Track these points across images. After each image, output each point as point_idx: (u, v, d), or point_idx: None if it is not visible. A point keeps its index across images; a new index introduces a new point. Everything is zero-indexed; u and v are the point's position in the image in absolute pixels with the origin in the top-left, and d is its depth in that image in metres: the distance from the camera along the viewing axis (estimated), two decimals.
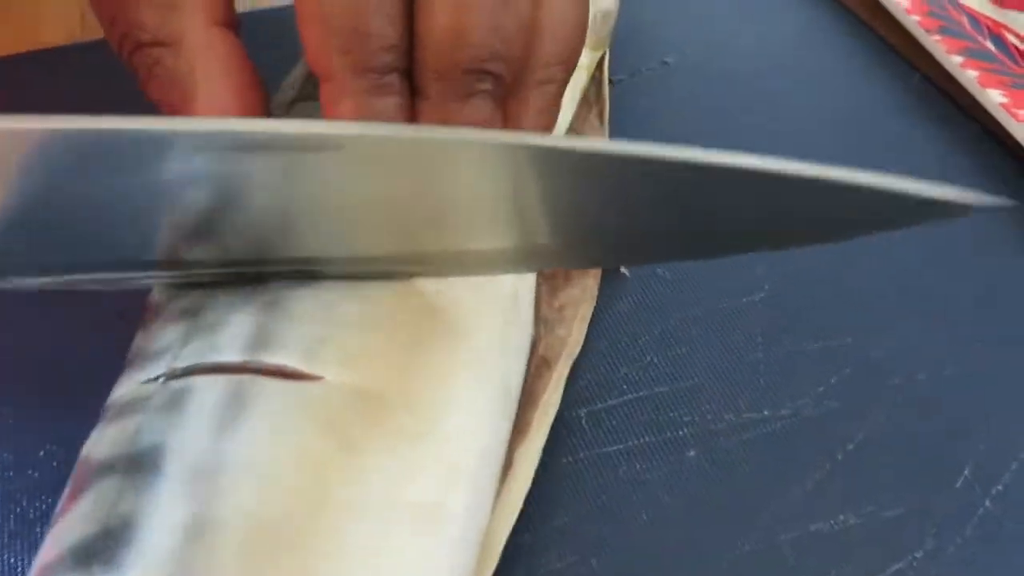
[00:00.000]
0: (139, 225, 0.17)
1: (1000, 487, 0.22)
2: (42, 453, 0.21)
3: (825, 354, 0.24)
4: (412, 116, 0.18)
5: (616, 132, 0.30)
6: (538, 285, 0.23)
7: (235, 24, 0.20)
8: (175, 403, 0.16)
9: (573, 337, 0.23)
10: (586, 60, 0.28)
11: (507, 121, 0.19)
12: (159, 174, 0.16)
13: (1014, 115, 0.29)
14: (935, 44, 0.32)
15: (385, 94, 0.18)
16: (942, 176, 0.29)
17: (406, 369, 0.18)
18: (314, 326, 0.18)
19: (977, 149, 0.30)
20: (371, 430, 0.17)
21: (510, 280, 0.21)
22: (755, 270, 0.26)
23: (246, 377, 0.17)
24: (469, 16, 0.17)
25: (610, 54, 0.31)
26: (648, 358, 0.24)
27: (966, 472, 0.22)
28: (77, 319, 0.23)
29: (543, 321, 0.23)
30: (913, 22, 0.33)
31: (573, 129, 0.27)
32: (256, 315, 0.18)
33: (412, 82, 0.18)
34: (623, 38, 0.32)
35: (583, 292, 0.24)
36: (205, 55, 0.19)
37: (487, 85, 0.18)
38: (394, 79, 0.18)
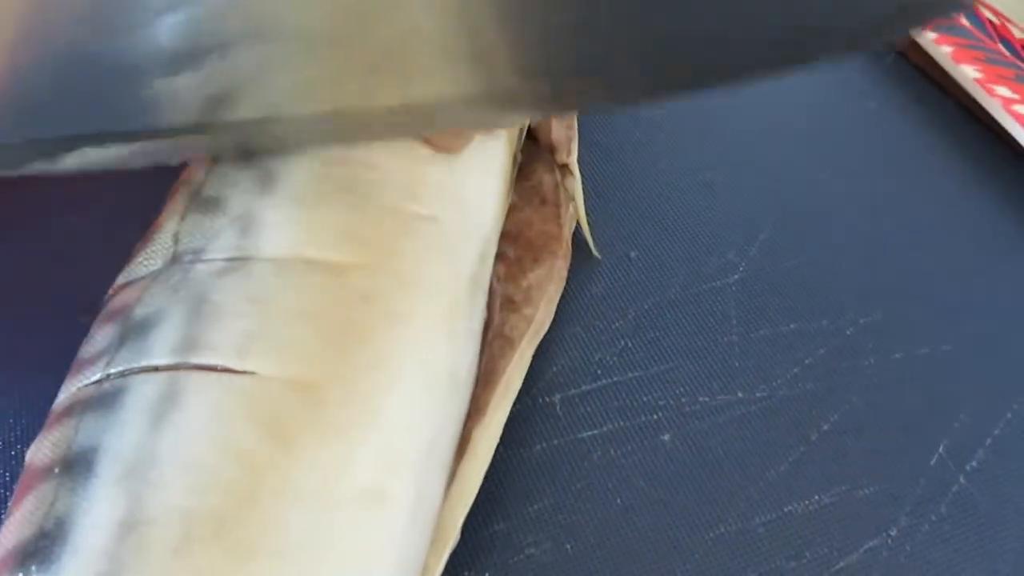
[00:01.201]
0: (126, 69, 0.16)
1: (974, 463, 0.22)
2: (12, 453, 0.21)
3: (800, 336, 0.24)
4: None
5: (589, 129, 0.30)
6: (497, 266, 0.23)
7: None
8: (110, 403, 0.16)
9: (539, 316, 0.23)
10: None
11: None
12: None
13: (988, 90, 0.29)
14: None
15: None
16: (917, 155, 0.30)
17: (341, 359, 0.18)
18: (244, 321, 0.18)
19: (952, 125, 0.30)
20: (305, 422, 0.17)
21: (463, 261, 0.21)
22: (728, 254, 0.26)
23: (179, 373, 0.17)
24: None
25: None
26: (622, 343, 0.24)
27: (940, 450, 0.22)
28: (40, 318, 0.23)
29: (508, 301, 0.23)
30: None
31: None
32: (185, 315, 0.18)
33: None
34: None
35: (551, 272, 0.24)
36: None
37: None
38: None
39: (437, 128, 0.17)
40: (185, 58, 0.16)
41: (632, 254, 0.26)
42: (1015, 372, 0.24)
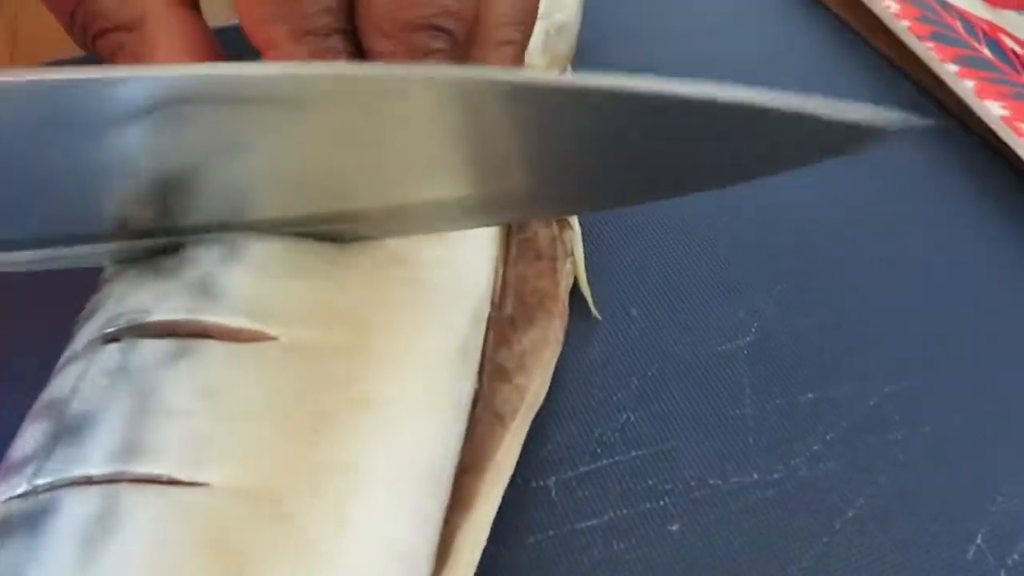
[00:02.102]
0: (80, 183, 0.16)
1: (1016, 556, 0.20)
2: None
3: (820, 406, 0.22)
4: None
5: None
6: (488, 331, 0.21)
7: (194, 2, 0.19)
8: (35, 527, 0.14)
9: (534, 387, 0.21)
10: None
11: None
12: (92, 125, 0.15)
13: (1016, 128, 0.27)
14: (928, 52, 0.30)
15: (329, 56, 0.17)
16: (939, 194, 0.27)
17: (306, 461, 0.16)
18: (194, 420, 0.15)
19: (974, 163, 0.28)
20: (264, 542, 0.14)
21: (453, 328, 0.19)
22: (739, 312, 0.24)
23: (118, 487, 0.14)
24: None
25: (573, 72, 0.28)
26: (624, 416, 0.22)
27: (978, 540, 0.20)
28: None
29: (499, 370, 0.21)
30: (903, 28, 0.31)
31: None
32: (127, 412, 0.15)
33: (357, 44, 0.18)
34: (588, 54, 0.30)
35: (546, 334, 0.22)
36: (166, 34, 0.19)
37: (441, 44, 0.18)
38: (337, 41, 0.17)
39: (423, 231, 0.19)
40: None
41: (634, 312, 0.24)
42: None
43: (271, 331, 0.17)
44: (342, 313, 0.18)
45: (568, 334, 0.23)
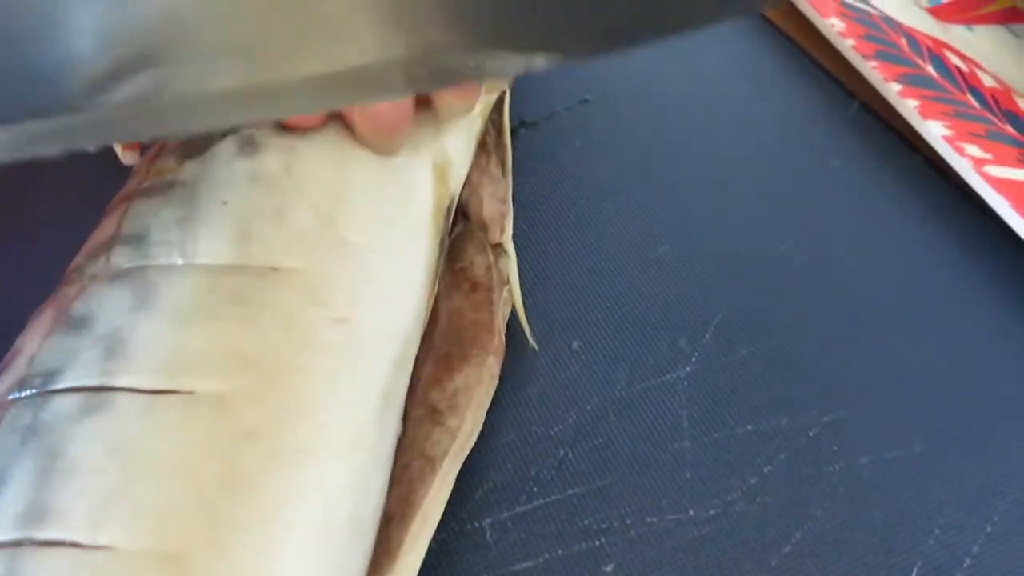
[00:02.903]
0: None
1: None
2: None
3: (757, 438, 0.22)
4: None
5: (532, 177, 0.27)
6: (419, 366, 0.21)
7: None
8: None
9: (466, 428, 0.21)
10: (480, 105, 0.25)
11: None
12: None
13: (958, 148, 0.27)
14: (872, 71, 0.30)
15: None
16: (884, 221, 0.27)
17: (217, 519, 0.15)
18: (102, 479, 0.15)
19: (921, 185, 0.28)
20: None
21: (375, 372, 0.19)
22: (679, 342, 0.24)
23: (22, 551, 0.14)
24: None
25: (518, 96, 0.28)
26: (561, 452, 0.22)
27: (915, 572, 0.20)
28: None
29: (430, 410, 0.21)
30: (848, 47, 0.31)
31: (470, 181, 0.25)
32: (34, 474, 0.15)
33: None
34: (539, 78, 0.30)
35: (480, 372, 0.22)
36: None
37: None
38: None
39: (364, 100, 0.16)
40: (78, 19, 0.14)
41: (574, 344, 0.24)
42: (994, 473, 0.22)
43: (184, 386, 0.17)
44: (257, 359, 0.18)
45: (505, 368, 0.23)
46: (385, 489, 0.18)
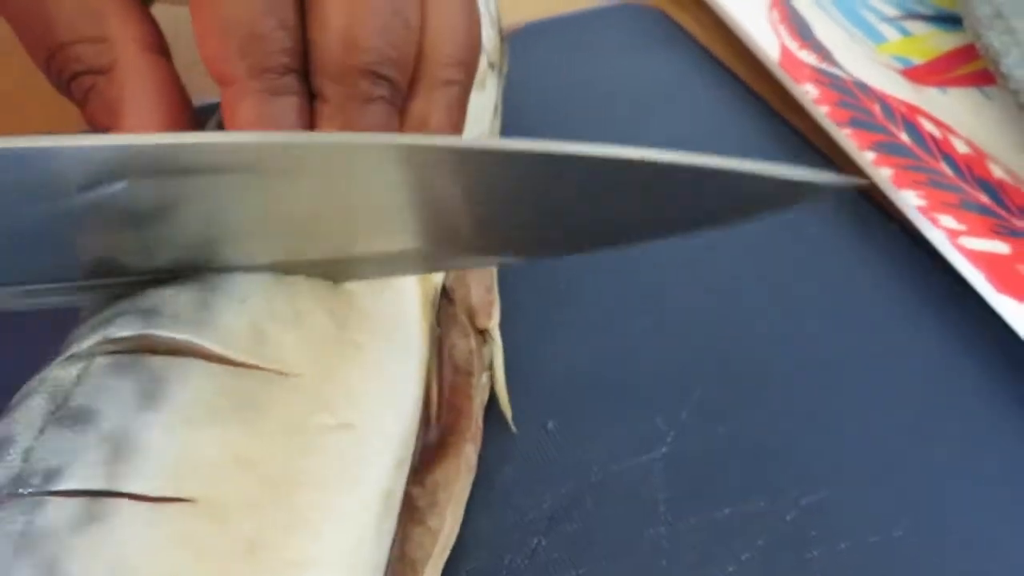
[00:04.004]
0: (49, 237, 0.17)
1: None
2: None
3: (735, 522, 0.22)
4: (310, 118, 0.19)
5: None
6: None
7: (165, 50, 0.21)
8: None
9: (447, 528, 0.20)
10: None
11: (414, 122, 0.20)
12: (55, 190, 0.16)
13: (932, 219, 0.27)
14: (846, 139, 0.30)
15: (284, 94, 0.19)
16: (862, 293, 0.27)
17: None
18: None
19: (898, 256, 0.28)
20: None
21: (377, 475, 0.18)
22: (656, 419, 0.24)
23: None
24: (359, 21, 0.19)
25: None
26: (535, 541, 0.21)
27: None
28: None
29: (411, 509, 0.20)
30: (822, 114, 0.31)
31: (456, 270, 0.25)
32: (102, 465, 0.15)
33: (310, 85, 0.19)
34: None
35: (459, 463, 0.21)
36: (134, 79, 0.20)
37: (383, 91, 0.19)
38: (292, 80, 0.19)
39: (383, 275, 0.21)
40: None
41: (549, 425, 0.23)
42: (975, 561, 0.21)
43: (187, 493, 0.16)
44: (261, 467, 0.17)
45: (484, 451, 0.22)
46: None
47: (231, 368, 0.18)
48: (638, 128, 0.32)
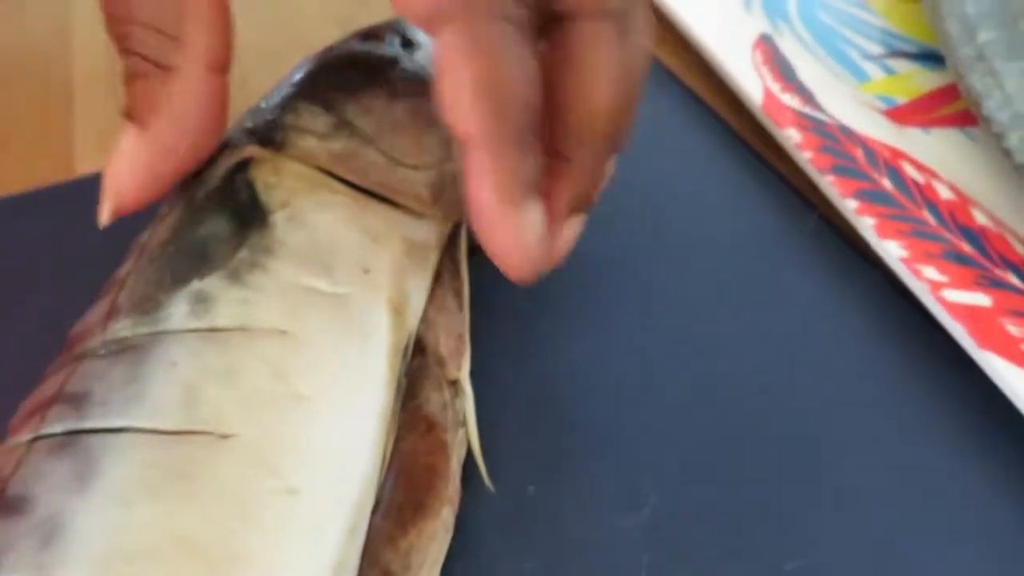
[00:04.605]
0: None
1: None
2: None
3: None
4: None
5: (487, 306, 0.27)
6: (372, 518, 0.20)
7: (227, 66, 0.21)
8: None
9: None
10: (434, 236, 0.25)
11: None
12: None
13: (915, 271, 0.27)
14: (829, 186, 0.30)
15: (527, 152, 0.19)
16: (836, 336, 0.27)
17: None
18: None
19: (879, 303, 0.28)
20: None
21: (327, 545, 0.18)
22: (639, 479, 0.23)
23: None
24: (624, 100, 0.20)
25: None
26: None
27: None
28: None
29: (383, 572, 0.20)
30: (805, 160, 0.31)
31: (426, 316, 0.24)
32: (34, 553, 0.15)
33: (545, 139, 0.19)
34: None
35: (435, 525, 0.21)
36: (189, 95, 0.20)
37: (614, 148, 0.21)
38: (532, 138, 0.19)
39: None
40: None
41: (530, 489, 0.23)
42: None
43: (122, 573, 0.16)
44: (201, 544, 0.17)
45: (461, 510, 0.22)
46: None
47: (165, 437, 0.18)
48: (618, 170, 0.32)
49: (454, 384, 0.24)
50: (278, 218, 0.22)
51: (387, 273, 0.23)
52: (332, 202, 0.23)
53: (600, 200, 0.23)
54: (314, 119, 0.25)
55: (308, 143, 0.24)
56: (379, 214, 0.24)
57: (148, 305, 0.20)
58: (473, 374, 0.25)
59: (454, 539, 0.22)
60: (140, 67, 0.20)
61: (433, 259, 0.24)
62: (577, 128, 0.20)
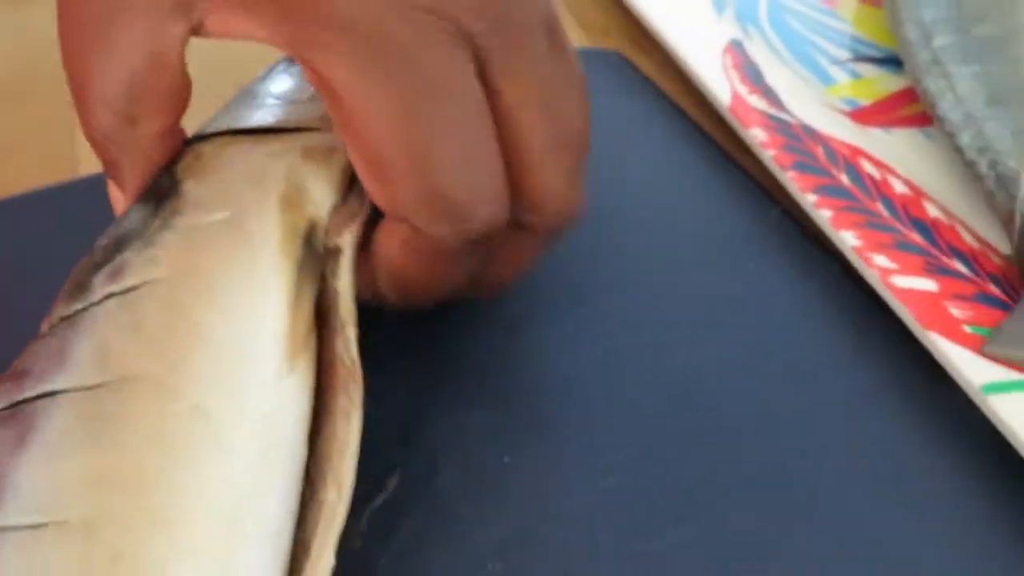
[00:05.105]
0: None
1: None
2: None
3: (672, 550, 0.23)
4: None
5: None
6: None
7: (180, 119, 0.24)
8: None
9: (331, 498, 0.20)
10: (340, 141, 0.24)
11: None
12: None
13: (866, 259, 0.29)
14: (790, 182, 0.32)
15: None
16: (793, 322, 0.29)
17: None
18: None
19: (834, 289, 0.30)
20: None
21: (240, 462, 0.19)
22: (606, 455, 0.25)
23: None
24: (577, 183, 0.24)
25: None
26: (489, 565, 0.23)
27: None
28: None
29: (309, 486, 0.20)
30: (769, 157, 0.33)
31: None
32: None
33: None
34: None
35: (334, 420, 0.21)
36: (143, 156, 0.24)
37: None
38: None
39: None
40: None
41: (506, 459, 0.25)
42: None
43: (58, 517, 0.18)
44: (123, 477, 0.18)
45: (440, 482, 0.24)
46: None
47: (86, 393, 0.19)
48: (591, 170, 0.34)
49: (333, 255, 0.23)
50: (188, 184, 0.24)
51: (281, 177, 0.23)
52: (234, 148, 0.25)
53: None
54: (235, 104, 0.27)
55: (223, 124, 0.26)
56: (280, 138, 0.25)
57: (79, 288, 0.22)
58: (454, 360, 0.26)
59: (430, 507, 0.23)
60: (100, 141, 0.23)
61: (340, 158, 0.24)
62: (540, 207, 0.24)
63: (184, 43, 0.23)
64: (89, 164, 0.36)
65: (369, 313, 0.26)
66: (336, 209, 0.24)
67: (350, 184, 0.24)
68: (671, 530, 0.23)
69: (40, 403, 0.20)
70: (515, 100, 0.22)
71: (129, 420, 0.19)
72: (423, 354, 0.28)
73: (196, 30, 0.22)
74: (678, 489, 0.24)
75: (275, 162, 0.24)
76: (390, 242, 0.23)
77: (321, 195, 0.23)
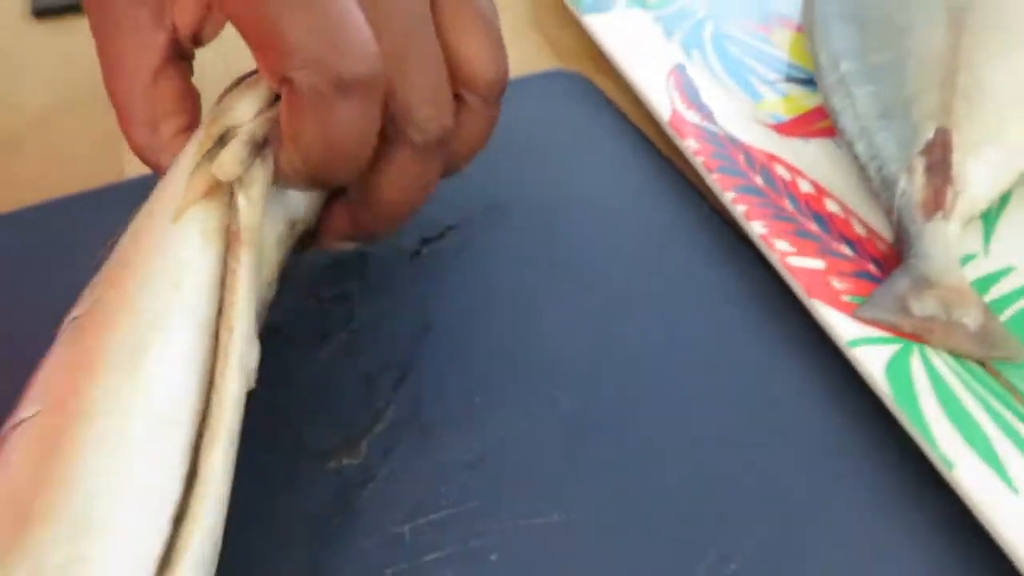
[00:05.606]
0: None
1: None
2: None
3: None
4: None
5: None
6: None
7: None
8: None
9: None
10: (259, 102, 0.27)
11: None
12: None
13: (770, 244, 0.36)
14: (714, 183, 0.39)
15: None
16: (716, 299, 0.36)
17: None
18: None
19: (749, 271, 0.37)
20: None
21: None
22: (557, 395, 0.32)
23: None
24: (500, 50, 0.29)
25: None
26: (464, 476, 0.29)
27: None
28: None
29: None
30: (699, 163, 0.40)
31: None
32: None
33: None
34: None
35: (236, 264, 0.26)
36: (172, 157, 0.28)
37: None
38: None
39: None
40: None
41: (476, 399, 0.32)
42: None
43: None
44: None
45: (425, 417, 0.30)
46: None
47: (34, 420, 0.22)
48: (549, 171, 0.41)
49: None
50: None
51: (192, 154, 0.26)
52: None
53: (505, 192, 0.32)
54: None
55: None
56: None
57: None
58: (434, 326, 0.33)
59: (419, 433, 0.30)
60: (138, 149, 0.29)
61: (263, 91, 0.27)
62: (472, 80, 0.28)
63: (173, 50, 0.29)
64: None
65: (371, 289, 0.32)
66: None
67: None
68: (609, 446, 0.30)
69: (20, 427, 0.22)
70: None
71: (92, 345, 0.23)
72: (409, 322, 0.35)
73: (175, 33, 0.28)
74: (614, 416, 0.31)
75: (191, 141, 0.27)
76: (286, 117, 0.24)
77: (241, 112, 0.26)
